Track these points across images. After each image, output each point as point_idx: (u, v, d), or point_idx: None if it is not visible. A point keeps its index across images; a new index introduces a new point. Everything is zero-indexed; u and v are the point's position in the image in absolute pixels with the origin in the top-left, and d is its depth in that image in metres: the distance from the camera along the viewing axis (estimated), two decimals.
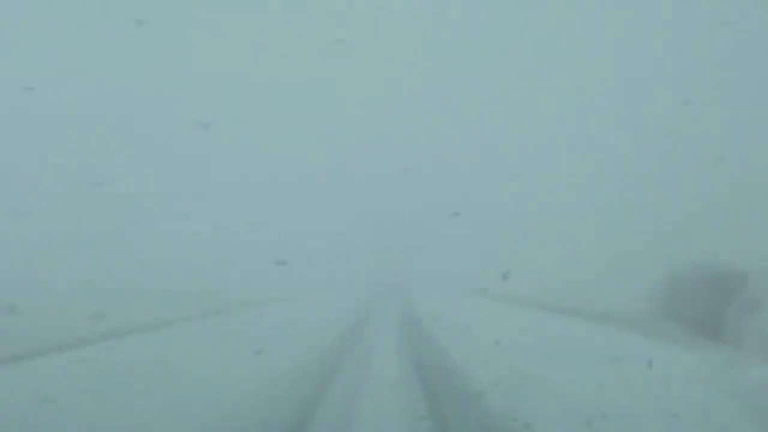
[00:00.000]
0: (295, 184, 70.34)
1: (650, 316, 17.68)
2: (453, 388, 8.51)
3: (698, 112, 35.35)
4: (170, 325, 16.71)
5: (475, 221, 63.87)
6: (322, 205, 71.50)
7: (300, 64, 74.34)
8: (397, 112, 74.45)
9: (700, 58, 40.33)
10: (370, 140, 72.70)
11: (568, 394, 7.96)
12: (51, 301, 22.53)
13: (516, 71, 65.92)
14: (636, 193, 39.46)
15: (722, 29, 36.15)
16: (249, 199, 62.58)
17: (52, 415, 7.00)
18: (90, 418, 6.93)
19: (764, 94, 34.40)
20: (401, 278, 67.41)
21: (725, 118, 36.79)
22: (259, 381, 8.88)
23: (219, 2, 69.85)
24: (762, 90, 34.86)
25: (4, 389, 8.51)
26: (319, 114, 74.10)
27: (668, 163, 38.01)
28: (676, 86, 40.56)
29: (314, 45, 73.60)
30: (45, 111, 43.99)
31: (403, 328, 17.56)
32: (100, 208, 41.45)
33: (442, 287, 49.49)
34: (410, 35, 76.85)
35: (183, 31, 60.89)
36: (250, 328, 17.02)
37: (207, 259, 48.64)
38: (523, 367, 10.02)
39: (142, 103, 52.61)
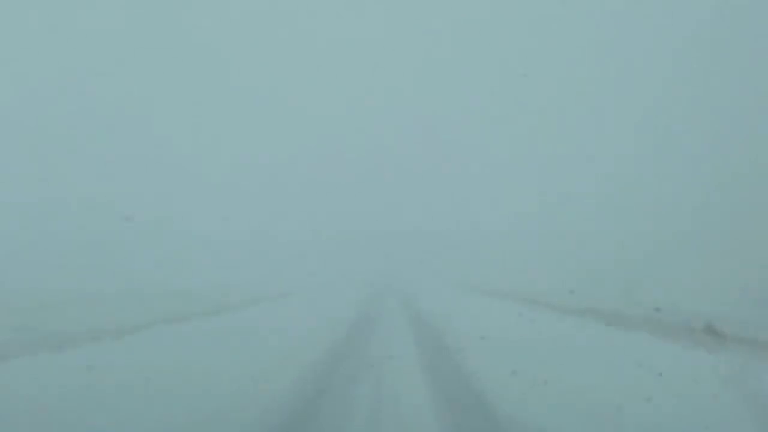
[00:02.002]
0: (291, 184, 70.13)
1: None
2: None
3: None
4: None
5: (474, 221, 63.68)
6: (318, 204, 71.30)
7: (295, 64, 74.04)
8: (396, 109, 74.17)
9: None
10: (367, 140, 72.49)
11: None
12: (56, 300, 22.18)
13: (514, 66, 65.64)
14: (637, 193, 38.81)
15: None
16: (245, 199, 62.39)
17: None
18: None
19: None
20: (398, 277, 67.22)
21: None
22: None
23: (213, 3, 69.59)
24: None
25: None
26: (315, 114, 73.83)
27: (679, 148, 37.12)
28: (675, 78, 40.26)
29: (310, 47, 73.34)
30: (36, 111, 43.76)
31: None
32: (99, 210, 41.23)
33: (442, 286, 49.11)
34: (406, 36, 76.59)
35: (177, 30, 60.56)
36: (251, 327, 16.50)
37: (206, 258, 48.36)
38: None
39: (136, 105, 52.38)
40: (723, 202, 29.11)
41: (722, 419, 6.58)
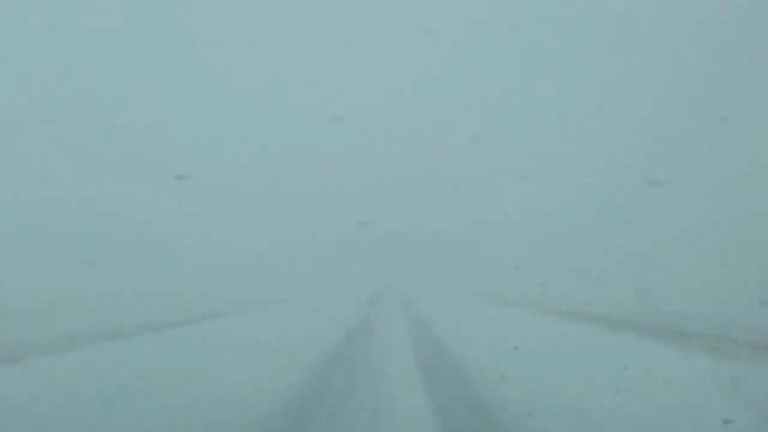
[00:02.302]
0: (288, 184, 70.02)
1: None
2: None
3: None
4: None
5: (475, 220, 63.57)
6: (318, 204, 71.16)
7: (294, 64, 73.94)
8: (395, 109, 74.07)
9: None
10: (366, 140, 72.36)
11: None
12: (46, 304, 22.13)
13: (515, 66, 65.58)
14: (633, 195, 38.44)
15: None
16: (240, 200, 62.33)
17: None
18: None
19: None
20: (398, 277, 67.06)
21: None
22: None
23: (213, 3, 69.52)
24: None
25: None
26: (312, 114, 73.75)
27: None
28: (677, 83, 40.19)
29: (310, 47, 73.25)
30: (36, 111, 43.79)
31: None
32: (92, 211, 41.20)
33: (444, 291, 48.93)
34: (406, 36, 76.53)
35: (177, 30, 60.51)
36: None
37: (197, 262, 48.31)
38: None
39: (136, 105, 52.34)
40: (724, 203, 28.42)
41: None
